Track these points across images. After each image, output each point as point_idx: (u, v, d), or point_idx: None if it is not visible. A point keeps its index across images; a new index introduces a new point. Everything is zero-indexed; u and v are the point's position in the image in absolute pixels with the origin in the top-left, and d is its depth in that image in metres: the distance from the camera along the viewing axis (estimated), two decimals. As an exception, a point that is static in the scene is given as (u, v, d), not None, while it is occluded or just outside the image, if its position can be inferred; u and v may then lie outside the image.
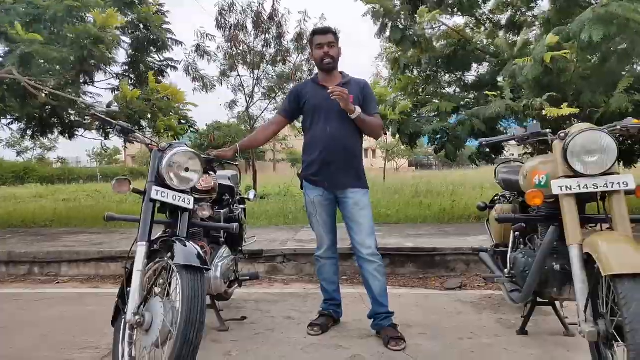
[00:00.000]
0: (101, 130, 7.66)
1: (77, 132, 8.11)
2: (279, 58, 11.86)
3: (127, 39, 7.61)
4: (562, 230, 2.11)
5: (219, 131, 24.81)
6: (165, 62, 8.31)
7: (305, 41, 11.18)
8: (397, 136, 6.65)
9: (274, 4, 11.40)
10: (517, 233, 2.77)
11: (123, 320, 2.08)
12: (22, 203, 12.06)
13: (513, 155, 7.55)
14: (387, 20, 6.30)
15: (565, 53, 4.64)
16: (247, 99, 12.40)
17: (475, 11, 6.95)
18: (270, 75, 12.44)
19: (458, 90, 7.43)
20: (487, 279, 3.06)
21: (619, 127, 2.13)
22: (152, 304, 2.04)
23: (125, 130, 2.31)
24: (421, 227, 6.27)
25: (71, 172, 32.55)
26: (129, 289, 2.04)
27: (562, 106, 4.61)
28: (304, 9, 11.74)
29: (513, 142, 2.55)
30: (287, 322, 3.17)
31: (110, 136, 7.98)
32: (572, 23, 4.63)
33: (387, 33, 6.40)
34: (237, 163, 3.63)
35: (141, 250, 2.09)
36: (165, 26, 7.82)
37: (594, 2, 5.12)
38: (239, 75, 12.25)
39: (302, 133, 3.09)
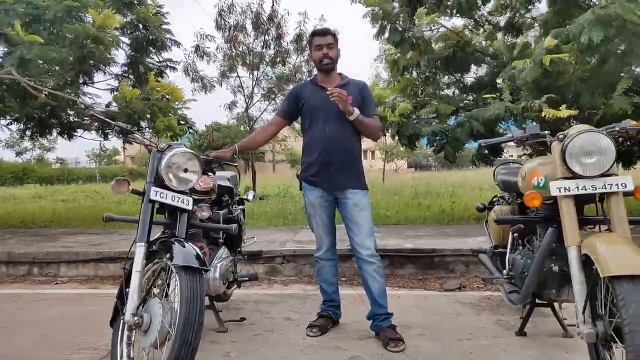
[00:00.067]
0: (100, 131, 7.64)
1: (76, 133, 8.11)
2: (278, 59, 11.89)
3: (126, 40, 7.59)
4: (561, 231, 2.11)
5: (218, 132, 24.87)
6: (164, 63, 8.30)
7: (304, 42, 11.20)
8: (397, 137, 6.65)
9: (273, 5, 11.44)
10: (515, 234, 2.77)
11: (122, 320, 2.08)
12: (21, 203, 12.06)
13: (512, 156, 7.55)
14: (385, 22, 6.31)
15: (564, 55, 4.64)
16: (247, 99, 12.43)
17: (474, 13, 6.94)
18: (269, 76, 12.47)
19: (457, 91, 7.43)
20: (486, 280, 3.06)
21: (617, 128, 2.14)
22: (151, 304, 2.04)
23: (124, 130, 2.31)
24: (420, 228, 6.27)
25: (70, 172, 32.58)
26: (127, 289, 2.04)
27: (560, 108, 4.62)
28: (304, 10, 11.79)
29: (512, 143, 2.56)
30: (286, 323, 3.17)
31: (109, 137, 7.97)
32: (571, 25, 4.63)
33: (386, 35, 6.40)
34: (236, 164, 3.63)
35: (140, 251, 2.09)
36: (164, 26, 7.79)
37: (591, 4, 5.13)
38: (238, 76, 12.29)
39: (302, 134, 3.10)
